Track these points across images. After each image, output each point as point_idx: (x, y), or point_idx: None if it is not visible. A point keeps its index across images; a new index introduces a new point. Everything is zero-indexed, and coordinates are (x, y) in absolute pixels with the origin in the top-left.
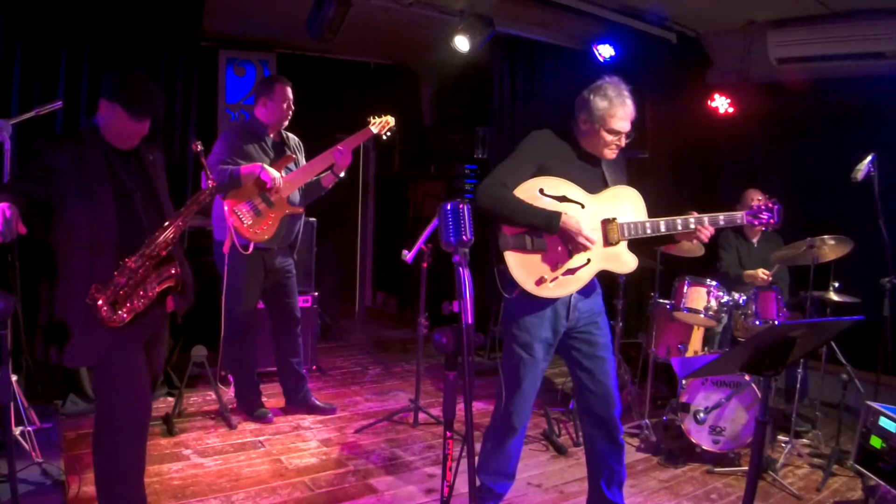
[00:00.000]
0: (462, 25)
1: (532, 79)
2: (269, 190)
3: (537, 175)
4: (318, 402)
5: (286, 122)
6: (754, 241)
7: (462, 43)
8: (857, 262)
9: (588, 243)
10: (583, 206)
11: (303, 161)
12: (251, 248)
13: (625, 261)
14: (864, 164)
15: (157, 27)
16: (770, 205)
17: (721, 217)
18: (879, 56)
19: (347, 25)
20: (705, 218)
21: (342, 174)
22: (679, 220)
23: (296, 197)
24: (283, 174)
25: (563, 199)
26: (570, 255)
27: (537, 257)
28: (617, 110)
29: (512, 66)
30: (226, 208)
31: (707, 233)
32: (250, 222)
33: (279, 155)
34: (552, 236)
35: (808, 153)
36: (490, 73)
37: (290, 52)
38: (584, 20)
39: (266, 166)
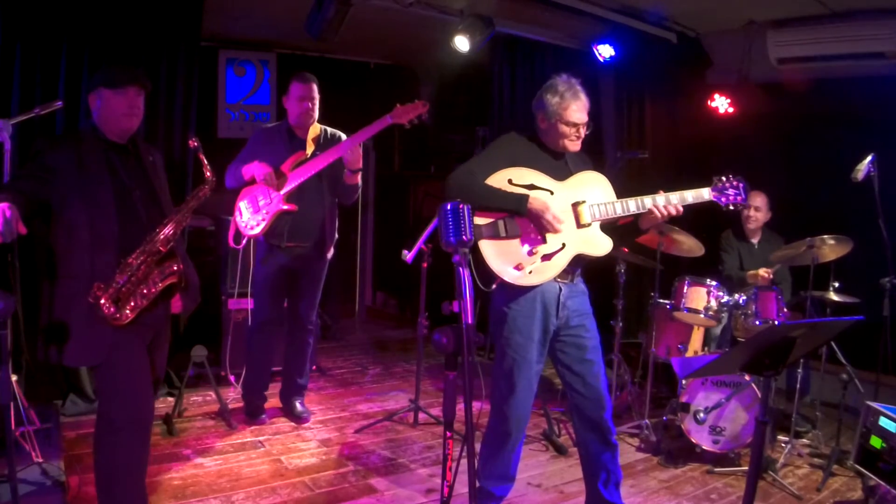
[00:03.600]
0: (462, 25)
1: (532, 79)
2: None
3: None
4: (297, 407)
5: (311, 119)
6: (755, 241)
7: (462, 43)
8: (857, 262)
9: (556, 223)
10: (552, 193)
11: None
12: (243, 243)
13: (599, 243)
14: (864, 164)
15: (157, 27)
16: (735, 182)
17: (689, 194)
18: (879, 56)
19: (347, 25)
20: (673, 196)
21: (356, 168)
22: (647, 198)
23: (315, 191)
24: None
25: (531, 187)
26: (545, 240)
27: (512, 244)
28: (569, 103)
29: (512, 66)
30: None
31: (673, 211)
32: (246, 216)
33: (294, 152)
34: (525, 223)
35: (808, 153)
36: (490, 73)
37: (290, 52)
38: (584, 20)
39: (260, 163)
